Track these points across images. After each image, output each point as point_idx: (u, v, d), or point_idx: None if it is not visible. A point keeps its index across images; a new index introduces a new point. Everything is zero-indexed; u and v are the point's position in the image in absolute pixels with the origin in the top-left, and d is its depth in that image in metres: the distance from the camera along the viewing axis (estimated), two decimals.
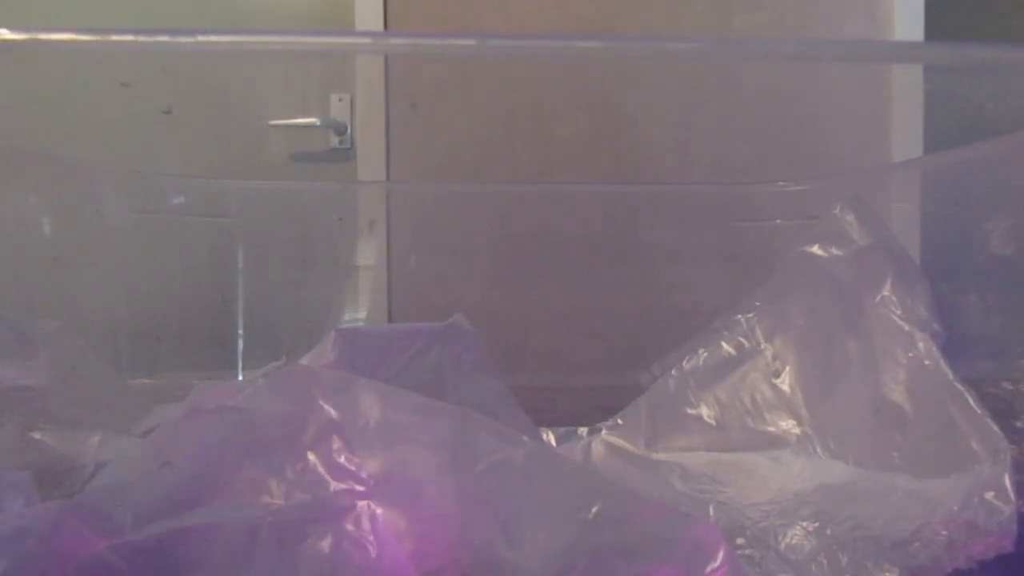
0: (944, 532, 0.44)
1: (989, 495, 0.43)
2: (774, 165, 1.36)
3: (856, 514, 0.50)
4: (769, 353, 0.68)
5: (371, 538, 0.37)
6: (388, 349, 0.53)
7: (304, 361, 0.52)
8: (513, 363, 1.12)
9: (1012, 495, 0.43)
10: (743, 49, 0.67)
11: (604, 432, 0.71)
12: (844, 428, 0.60)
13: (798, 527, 0.49)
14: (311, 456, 0.40)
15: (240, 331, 0.96)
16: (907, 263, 0.59)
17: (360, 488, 0.38)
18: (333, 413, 0.40)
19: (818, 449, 0.62)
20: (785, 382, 0.66)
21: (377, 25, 1.37)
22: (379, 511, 0.38)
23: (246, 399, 0.41)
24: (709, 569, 0.35)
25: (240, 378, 0.95)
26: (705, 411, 0.68)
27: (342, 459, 0.39)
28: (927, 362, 0.53)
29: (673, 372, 0.71)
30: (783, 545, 0.48)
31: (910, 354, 0.54)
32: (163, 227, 0.92)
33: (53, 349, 0.60)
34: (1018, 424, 0.54)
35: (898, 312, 0.56)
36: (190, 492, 0.39)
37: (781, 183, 0.98)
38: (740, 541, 0.49)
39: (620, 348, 1.12)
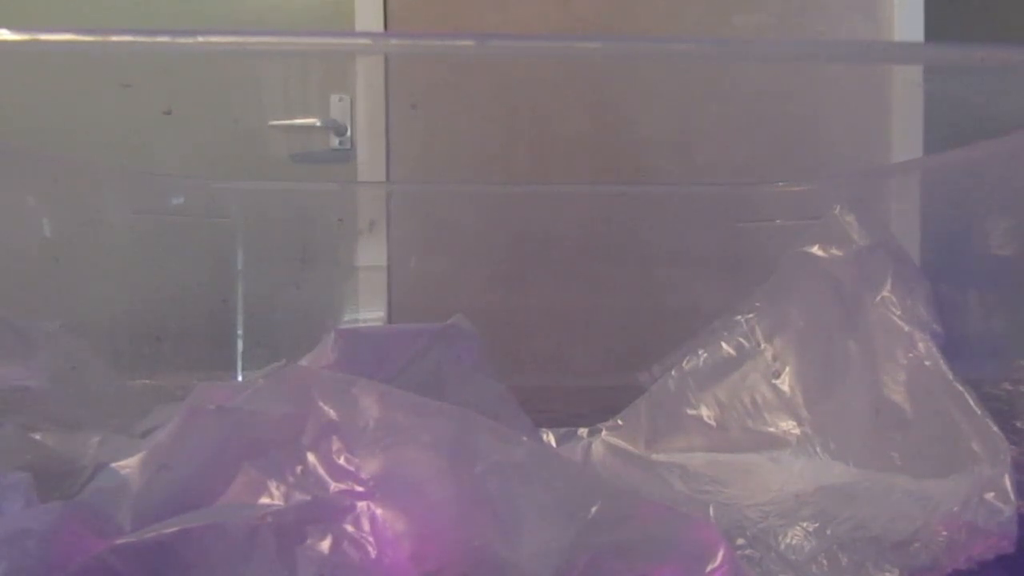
0: (944, 533, 0.44)
1: (989, 496, 0.43)
2: (774, 165, 1.36)
3: (856, 514, 0.49)
4: (769, 354, 0.68)
5: (371, 539, 0.37)
6: (388, 349, 0.53)
7: (304, 362, 0.52)
8: (513, 363, 1.12)
9: (1012, 496, 0.43)
10: (743, 49, 0.67)
11: (604, 432, 0.71)
12: (844, 429, 0.60)
13: (798, 527, 0.49)
14: (311, 457, 0.40)
15: (240, 331, 0.96)
16: (907, 263, 0.59)
17: (360, 489, 0.38)
18: (333, 414, 0.40)
19: (818, 449, 0.62)
20: (785, 383, 0.66)
21: (377, 25, 1.37)
22: (379, 512, 0.38)
23: (246, 400, 0.41)
24: (709, 569, 0.35)
25: (240, 378, 0.95)
26: (705, 412, 0.68)
27: (342, 460, 0.39)
28: (927, 362, 0.53)
29: (673, 372, 0.71)
30: (783, 545, 0.48)
31: (910, 354, 0.54)
32: (163, 227, 0.92)
33: (53, 349, 0.59)
34: (1018, 424, 0.54)
35: (898, 312, 0.56)
36: (190, 493, 0.39)
37: (781, 184, 0.98)
38: (740, 541, 0.49)
39: (620, 348, 1.12)
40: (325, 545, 0.37)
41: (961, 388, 0.49)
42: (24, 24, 0.45)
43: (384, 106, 1.38)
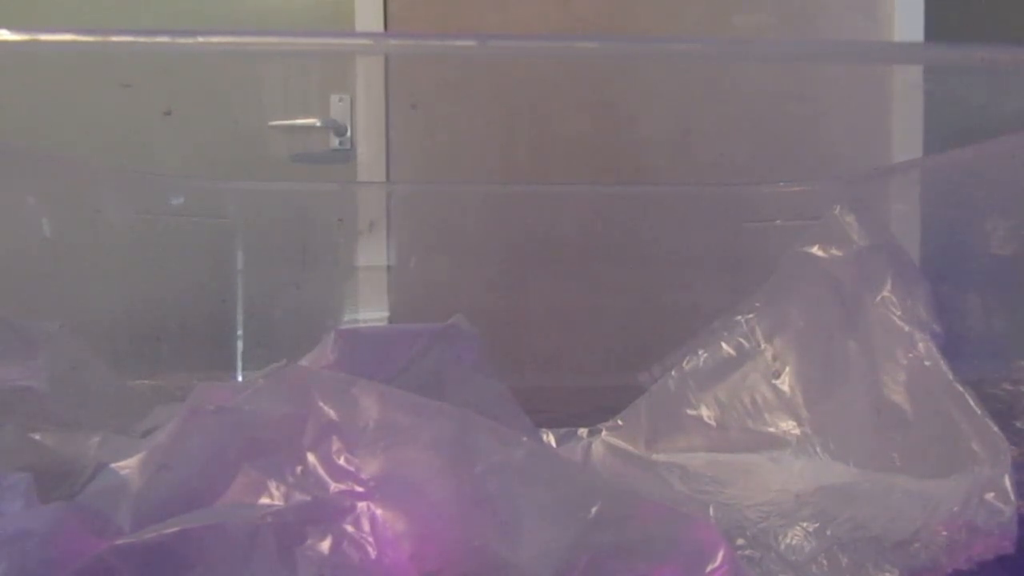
0: (944, 533, 0.44)
1: (989, 496, 0.43)
2: (774, 165, 1.36)
3: (856, 515, 0.49)
4: (769, 354, 0.68)
5: (371, 539, 0.37)
6: (388, 349, 0.53)
7: (304, 362, 0.52)
8: (513, 364, 1.12)
9: (1012, 496, 0.43)
10: (743, 49, 0.67)
11: (604, 433, 0.71)
12: (844, 429, 0.60)
13: (798, 528, 0.49)
14: (310, 457, 0.40)
15: (240, 332, 0.96)
16: (907, 263, 0.59)
17: (360, 489, 0.38)
18: (333, 414, 0.40)
19: (818, 450, 0.62)
20: (785, 383, 0.66)
21: (377, 25, 1.37)
22: (379, 512, 0.38)
23: (245, 400, 0.41)
24: (709, 569, 0.35)
25: (240, 379, 0.95)
26: (705, 412, 0.68)
27: (342, 460, 0.39)
28: (927, 363, 0.53)
29: (673, 373, 0.71)
30: (783, 546, 0.48)
31: (910, 355, 0.54)
32: (163, 227, 0.92)
33: (53, 349, 0.59)
34: (1018, 424, 0.54)
35: (898, 312, 0.56)
36: (190, 493, 0.39)
37: (781, 184, 0.99)
38: (740, 541, 0.49)
39: (620, 348, 1.12)
40: (325, 545, 0.37)
41: (961, 388, 0.49)
42: (24, 24, 0.45)
43: (384, 106, 1.38)
